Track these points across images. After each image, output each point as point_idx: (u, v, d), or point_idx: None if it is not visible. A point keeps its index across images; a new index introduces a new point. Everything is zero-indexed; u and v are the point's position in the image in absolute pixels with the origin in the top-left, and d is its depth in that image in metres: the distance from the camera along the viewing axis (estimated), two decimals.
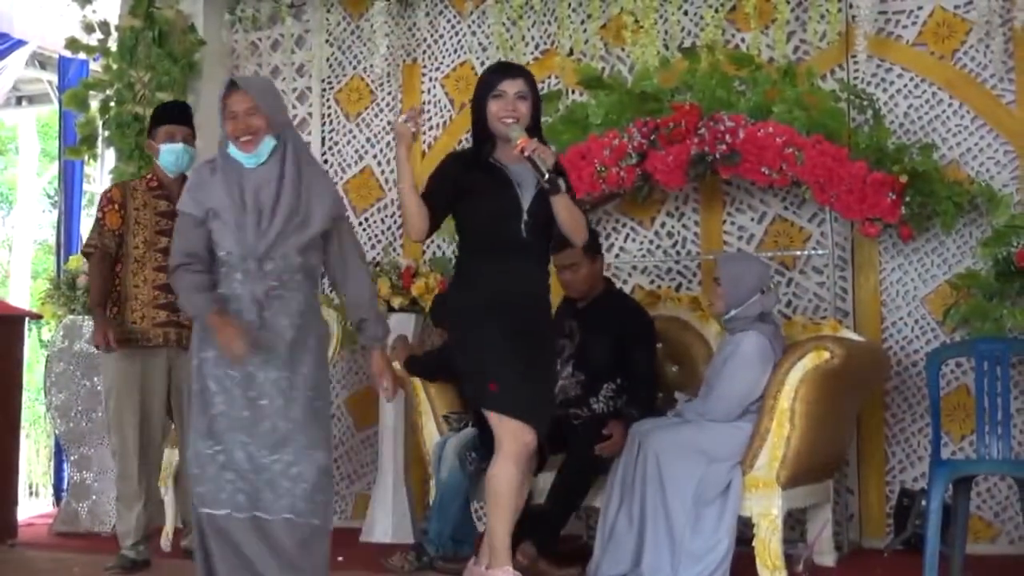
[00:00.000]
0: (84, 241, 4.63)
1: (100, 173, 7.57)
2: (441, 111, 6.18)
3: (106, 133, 6.37)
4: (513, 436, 3.65)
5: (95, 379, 5.73)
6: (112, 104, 6.33)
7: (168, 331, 4.54)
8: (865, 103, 5.15)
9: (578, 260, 4.60)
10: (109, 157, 6.92)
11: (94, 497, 5.75)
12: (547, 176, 3.61)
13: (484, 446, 4.45)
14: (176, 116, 4.69)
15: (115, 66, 6.34)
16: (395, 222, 6.19)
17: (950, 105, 5.23)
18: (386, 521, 5.48)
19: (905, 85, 5.31)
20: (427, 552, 4.52)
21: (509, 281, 3.72)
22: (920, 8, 5.31)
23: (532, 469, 3.91)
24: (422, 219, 3.77)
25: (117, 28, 6.40)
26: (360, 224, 6.28)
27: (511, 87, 3.75)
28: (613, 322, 4.64)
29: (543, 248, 3.83)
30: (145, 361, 4.54)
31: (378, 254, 5.97)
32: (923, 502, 4.50)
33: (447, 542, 4.52)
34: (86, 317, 5.78)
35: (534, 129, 3.77)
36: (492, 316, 3.69)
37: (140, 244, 4.53)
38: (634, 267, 5.66)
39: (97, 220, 4.58)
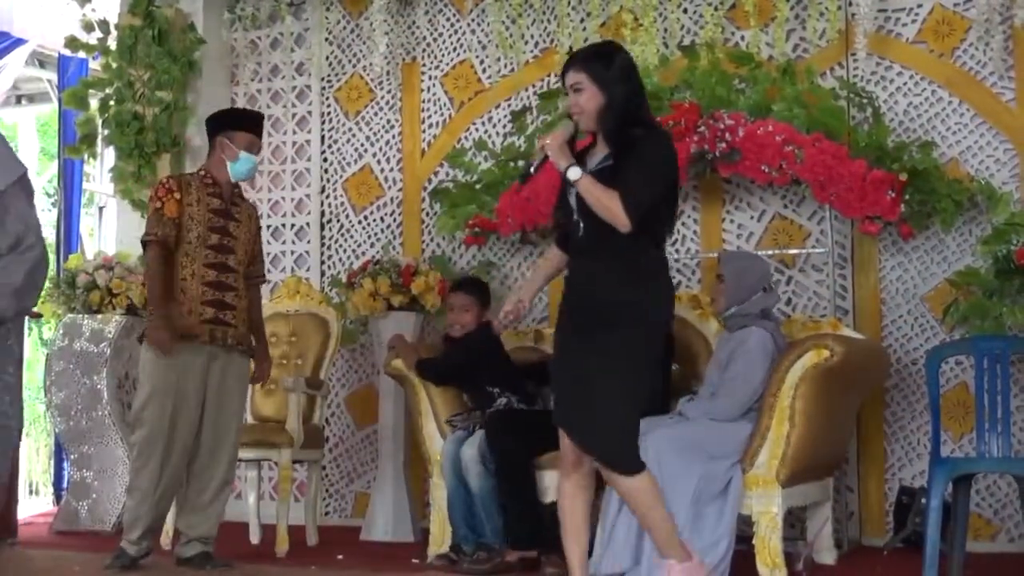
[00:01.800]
0: (144, 230, 4.52)
1: (100, 172, 7.58)
2: (441, 110, 6.17)
3: (106, 132, 6.38)
4: (560, 442, 3.64)
5: (95, 377, 5.73)
6: (112, 103, 6.34)
7: (214, 328, 4.47)
8: (865, 101, 5.15)
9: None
10: (109, 156, 6.93)
11: (94, 496, 5.74)
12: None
13: (492, 450, 4.47)
14: (260, 127, 4.70)
15: (115, 65, 6.35)
16: (394, 220, 6.19)
17: (950, 103, 5.23)
18: (386, 520, 5.48)
19: (905, 83, 5.31)
20: (466, 555, 4.50)
21: (571, 283, 3.66)
22: (920, 6, 5.31)
23: (586, 474, 3.68)
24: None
25: (117, 27, 6.41)
26: (360, 222, 6.28)
27: (567, 81, 3.61)
28: None
29: (607, 247, 3.55)
30: (187, 358, 4.43)
31: (378, 252, 5.97)
32: (923, 500, 4.50)
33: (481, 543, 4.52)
34: (86, 316, 5.78)
35: (622, 111, 3.54)
36: (560, 321, 3.68)
37: (193, 239, 4.46)
38: None
39: (155, 209, 4.47)
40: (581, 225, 3.58)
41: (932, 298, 5.16)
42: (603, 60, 3.60)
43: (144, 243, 4.51)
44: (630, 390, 3.52)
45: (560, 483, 3.68)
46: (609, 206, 3.43)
